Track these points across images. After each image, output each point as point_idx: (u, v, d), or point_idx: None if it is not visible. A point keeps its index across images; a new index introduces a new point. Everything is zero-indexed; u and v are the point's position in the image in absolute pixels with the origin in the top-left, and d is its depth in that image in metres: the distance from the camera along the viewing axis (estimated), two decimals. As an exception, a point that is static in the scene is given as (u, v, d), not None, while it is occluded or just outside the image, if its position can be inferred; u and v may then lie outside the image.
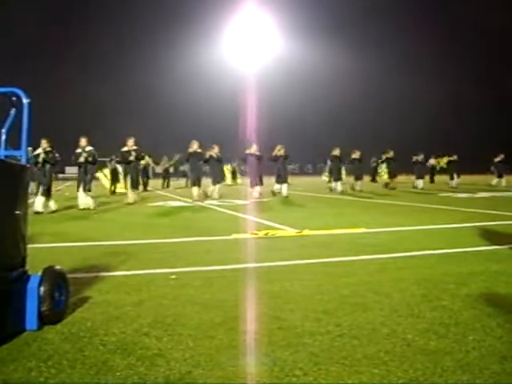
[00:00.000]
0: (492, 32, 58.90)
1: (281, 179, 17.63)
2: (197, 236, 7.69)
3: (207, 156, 16.96)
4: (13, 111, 3.56)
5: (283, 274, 4.86)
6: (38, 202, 11.93)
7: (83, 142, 13.25)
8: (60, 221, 10.50)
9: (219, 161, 17.52)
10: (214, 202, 15.09)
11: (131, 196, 15.06)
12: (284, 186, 17.41)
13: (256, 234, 7.70)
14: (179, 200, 15.53)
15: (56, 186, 25.15)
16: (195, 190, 15.87)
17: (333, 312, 3.57)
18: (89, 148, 13.28)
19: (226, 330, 3.23)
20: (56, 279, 3.46)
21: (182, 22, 59.87)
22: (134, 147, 15.22)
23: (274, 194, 17.77)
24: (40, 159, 12.15)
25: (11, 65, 46.55)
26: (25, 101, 3.53)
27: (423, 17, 64.41)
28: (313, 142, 21.56)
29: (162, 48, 59.90)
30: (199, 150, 16.43)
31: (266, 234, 7.68)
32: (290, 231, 8.04)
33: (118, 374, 2.58)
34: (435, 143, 24.95)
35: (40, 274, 3.37)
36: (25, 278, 3.31)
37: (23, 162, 3.47)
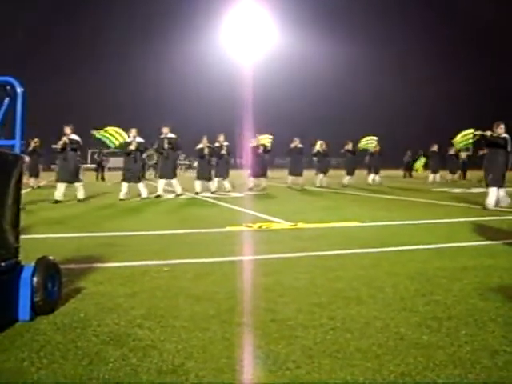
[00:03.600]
0: (489, 28, 58.99)
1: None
2: (191, 228, 7.69)
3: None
4: (6, 100, 3.53)
5: (277, 267, 4.87)
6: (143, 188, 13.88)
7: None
8: (55, 211, 10.48)
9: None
10: (209, 195, 15.08)
11: (228, 186, 16.90)
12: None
13: (250, 227, 7.70)
14: (174, 192, 15.48)
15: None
16: (300, 180, 19.29)
17: (326, 305, 3.57)
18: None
19: (219, 322, 3.23)
20: (49, 270, 3.45)
21: (179, 15, 59.69)
22: (225, 142, 17.02)
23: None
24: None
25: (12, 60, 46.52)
26: (19, 90, 3.50)
27: (421, 14, 64.45)
28: (310, 134, 21.70)
29: (159, 41, 59.78)
30: (300, 146, 19.54)
31: (260, 227, 7.69)
32: (285, 224, 8.04)
33: (111, 364, 2.58)
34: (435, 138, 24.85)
35: (33, 264, 3.36)
36: (18, 268, 3.30)
37: (17, 151, 3.45)
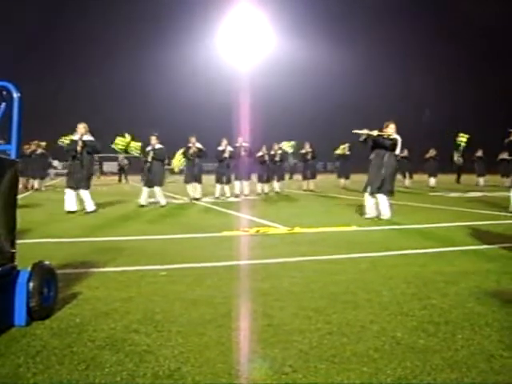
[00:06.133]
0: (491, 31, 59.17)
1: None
2: (187, 233, 7.68)
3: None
4: (3, 105, 3.53)
5: (274, 272, 4.86)
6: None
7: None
8: (51, 217, 10.45)
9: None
10: (206, 200, 15.08)
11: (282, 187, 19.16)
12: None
13: (247, 231, 7.69)
14: (171, 197, 15.49)
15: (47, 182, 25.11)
16: (347, 182, 22.40)
17: (322, 310, 3.57)
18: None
19: (216, 326, 3.22)
20: (45, 275, 3.45)
21: (175, 20, 59.81)
22: (280, 150, 18.95)
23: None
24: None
25: (12, 59, 46.55)
26: (15, 95, 3.50)
27: (420, 15, 64.70)
28: (309, 139, 21.86)
29: (156, 46, 59.84)
30: (348, 153, 22.61)
31: (257, 232, 7.68)
32: (281, 229, 8.04)
33: (107, 370, 2.57)
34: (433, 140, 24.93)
35: (29, 269, 3.35)
36: (14, 273, 3.29)
37: (13, 156, 3.44)
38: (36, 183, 20.62)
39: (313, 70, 60.39)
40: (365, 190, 9.64)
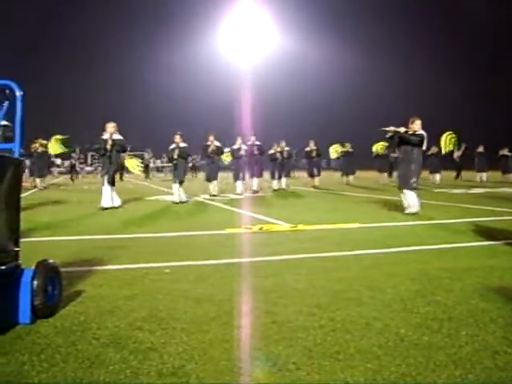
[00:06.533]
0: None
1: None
2: (191, 230, 7.69)
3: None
4: (6, 104, 3.53)
5: (277, 269, 4.86)
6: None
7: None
8: (54, 214, 10.47)
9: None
10: (209, 197, 15.10)
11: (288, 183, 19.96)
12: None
13: (250, 229, 7.69)
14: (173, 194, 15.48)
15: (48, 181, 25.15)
16: (351, 177, 23.95)
17: (326, 307, 3.57)
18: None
19: (220, 324, 3.22)
20: (49, 273, 3.45)
21: (178, 18, 59.80)
22: (286, 148, 19.80)
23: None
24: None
25: (12, 59, 46.70)
26: (18, 93, 3.50)
27: (420, 14, 64.54)
28: (309, 137, 21.89)
29: (159, 44, 59.89)
30: (351, 150, 23.68)
31: (260, 229, 7.68)
32: (285, 226, 8.03)
33: (111, 367, 2.57)
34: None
35: (33, 267, 3.35)
36: (18, 271, 3.30)
37: (16, 154, 3.45)
38: (38, 182, 20.79)
39: (314, 68, 60.39)
40: (406, 187, 9.72)
